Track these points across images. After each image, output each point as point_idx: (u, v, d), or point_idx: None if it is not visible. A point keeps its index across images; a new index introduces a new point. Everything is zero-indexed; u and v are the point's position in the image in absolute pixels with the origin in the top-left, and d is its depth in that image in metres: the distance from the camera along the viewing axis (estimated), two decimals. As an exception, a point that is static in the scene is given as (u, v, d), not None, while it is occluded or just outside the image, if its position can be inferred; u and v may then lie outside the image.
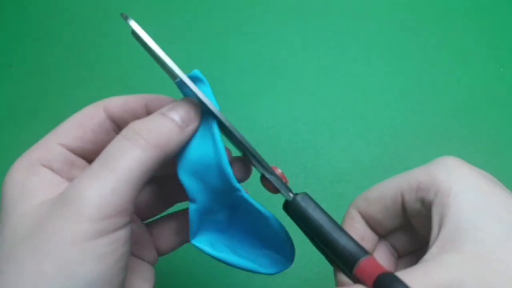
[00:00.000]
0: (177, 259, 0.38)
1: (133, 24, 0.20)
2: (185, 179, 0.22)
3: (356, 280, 0.21)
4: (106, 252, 0.17)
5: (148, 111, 0.22)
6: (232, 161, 0.24)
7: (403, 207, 0.23)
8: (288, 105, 0.47)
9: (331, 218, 0.23)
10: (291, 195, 0.23)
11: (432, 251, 0.19)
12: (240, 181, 0.24)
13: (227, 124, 0.22)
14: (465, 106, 0.47)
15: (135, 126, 0.19)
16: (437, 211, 0.20)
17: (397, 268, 0.25)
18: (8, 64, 0.51)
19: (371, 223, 0.24)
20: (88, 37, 0.53)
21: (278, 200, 0.24)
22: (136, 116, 0.22)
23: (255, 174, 0.25)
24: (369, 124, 0.45)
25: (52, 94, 0.48)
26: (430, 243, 0.20)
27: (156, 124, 0.19)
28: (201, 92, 0.21)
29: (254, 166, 0.23)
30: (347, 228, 0.23)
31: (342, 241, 0.21)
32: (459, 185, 0.20)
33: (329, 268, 0.24)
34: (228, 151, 0.23)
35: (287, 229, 0.24)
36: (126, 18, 0.20)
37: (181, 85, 0.21)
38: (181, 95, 0.23)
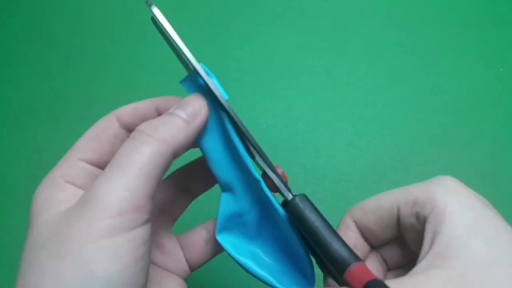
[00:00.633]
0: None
1: (156, 12, 0.21)
2: (215, 169, 0.23)
3: (345, 285, 0.21)
4: (123, 251, 0.17)
5: (159, 114, 0.23)
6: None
7: (398, 220, 0.23)
8: (288, 105, 0.47)
9: (327, 222, 0.23)
10: (290, 195, 0.23)
11: (422, 264, 0.20)
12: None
13: (234, 117, 0.22)
14: (465, 106, 0.47)
15: (141, 126, 0.20)
16: (430, 226, 0.21)
17: (386, 280, 0.25)
18: (8, 64, 0.51)
19: (365, 233, 0.24)
20: (88, 37, 0.53)
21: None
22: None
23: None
24: (369, 124, 0.45)
25: (52, 94, 0.48)
26: (421, 256, 0.21)
27: (161, 121, 0.20)
28: (212, 83, 0.21)
29: (257, 162, 0.24)
30: (340, 235, 0.23)
31: (335, 245, 0.22)
32: (455, 204, 0.21)
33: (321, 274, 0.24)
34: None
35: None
36: (150, 6, 0.21)
37: (190, 79, 0.22)
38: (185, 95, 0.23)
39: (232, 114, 0.22)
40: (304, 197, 0.23)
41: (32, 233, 0.18)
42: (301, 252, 0.23)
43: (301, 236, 0.23)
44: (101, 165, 0.22)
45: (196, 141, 0.22)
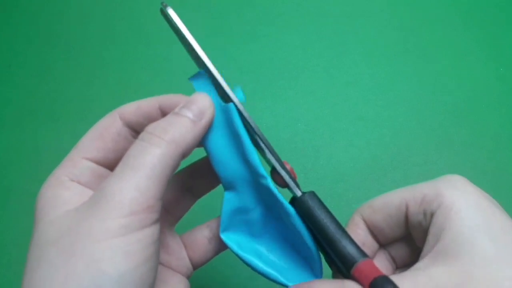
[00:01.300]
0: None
1: (171, 13, 0.22)
2: (219, 168, 0.23)
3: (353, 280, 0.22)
4: (134, 250, 0.17)
5: (162, 113, 0.23)
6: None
7: (406, 218, 0.23)
8: (288, 105, 0.47)
9: (336, 219, 0.23)
10: (299, 192, 0.23)
11: (425, 261, 0.20)
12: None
13: (244, 113, 0.22)
14: (465, 106, 0.47)
15: (149, 128, 0.20)
16: (436, 223, 0.21)
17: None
18: (8, 64, 0.51)
19: (374, 231, 0.25)
20: (88, 37, 0.53)
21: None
22: (152, 119, 0.22)
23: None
24: (369, 124, 0.45)
25: (52, 94, 0.48)
26: (425, 252, 0.21)
27: (169, 122, 0.20)
28: (223, 80, 0.22)
29: (266, 158, 0.24)
30: (349, 233, 0.23)
31: (344, 242, 0.22)
32: (462, 202, 0.21)
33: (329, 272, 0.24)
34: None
35: None
36: (165, 7, 0.22)
37: (199, 77, 0.23)
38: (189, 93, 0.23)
39: (243, 111, 0.22)
40: (313, 194, 0.23)
41: (39, 230, 0.18)
42: (309, 247, 0.23)
43: (310, 232, 0.23)
44: (105, 163, 0.22)
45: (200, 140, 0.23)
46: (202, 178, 0.26)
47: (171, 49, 0.51)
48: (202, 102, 0.22)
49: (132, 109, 0.23)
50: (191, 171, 0.27)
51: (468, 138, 0.44)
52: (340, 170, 0.42)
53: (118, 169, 0.19)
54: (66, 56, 0.51)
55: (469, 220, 0.20)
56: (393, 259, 0.26)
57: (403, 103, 0.47)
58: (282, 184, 0.24)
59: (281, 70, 0.49)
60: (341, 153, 0.43)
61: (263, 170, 0.22)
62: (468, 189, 0.22)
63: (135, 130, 0.23)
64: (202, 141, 0.23)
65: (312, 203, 0.23)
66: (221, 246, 0.25)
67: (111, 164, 0.22)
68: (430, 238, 0.21)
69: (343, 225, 0.24)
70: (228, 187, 0.23)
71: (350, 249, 0.22)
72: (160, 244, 0.20)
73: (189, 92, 0.23)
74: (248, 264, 0.23)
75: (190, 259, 0.25)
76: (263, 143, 0.23)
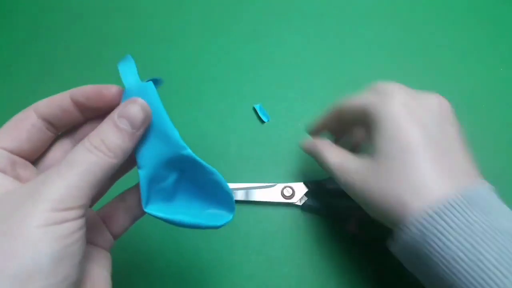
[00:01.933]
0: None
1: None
2: (137, 149, 0.24)
3: None
4: (64, 234, 0.20)
5: (74, 102, 0.25)
6: None
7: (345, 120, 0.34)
8: (288, 105, 0.47)
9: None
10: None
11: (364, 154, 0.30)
12: None
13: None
14: (465, 106, 0.47)
15: (91, 138, 0.22)
16: (372, 128, 0.29)
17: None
18: (8, 64, 0.51)
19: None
20: (88, 37, 0.53)
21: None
22: (64, 110, 0.25)
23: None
24: (369, 124, 0.45)
25: (52, 94, 0.48)
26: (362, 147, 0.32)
27: (108, 135, 0.22)
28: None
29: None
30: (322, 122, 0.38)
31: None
32: (387, 111, 0.29)
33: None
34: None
35: None
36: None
37: (125, 61, 0.26)
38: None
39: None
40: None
41: None
42: (222, 185, 0.26)
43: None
44: (20, 153, 0.24)
45: None
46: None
47: (171, 49, 0.51)
48: (140, 112, 0.23)
49: (45, 102, 0.25)
50: None
51: (468, 138, 0.44)
52: (340, 170, 0.42)
53: (59, 166, 0.21)
54: (66, 56, 0.51)
55: (392, 124, 0.28)
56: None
57: (403, 103, 0.47)
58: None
59: (281, 70, 0.49)
60: (341, 153, 0.43)
61: (183, 142, 0.24)
62: (401, 96, 0.30)
63: (50, 122, 0.25)
64: None
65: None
66: (137, 214, 0.28)
67: (24, 154, 0.25)
68: (368, 138, 0.30)
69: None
70: (143, 165, 0.25)
71: None
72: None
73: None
74: (174, 223, 0.25)
75: (111, 232, 0.28)
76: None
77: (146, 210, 0.25)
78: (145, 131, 0.24)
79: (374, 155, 0.29)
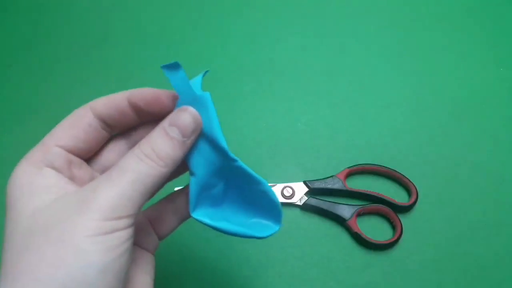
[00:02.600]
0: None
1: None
2: (189, 155, 0.24)
3: None
4: (114, 245, 0.20)
5: (131, 104, 0.24)
6: None
7: None
8: (288, 105, 0.47)
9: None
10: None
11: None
12: None
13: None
14: (465, 106, 0.47)
15: (142, 146, 0.22)
16: None
17: None
18: (8, 64, 0.51)
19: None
20: (88, 37, 0.53)
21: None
22: (121, 111, 0.24)
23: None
24: (369, 124, 0.45)
25: (52, 94, 0.48)
26: None
27: (158, 143, 0.22)
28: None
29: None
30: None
31: None
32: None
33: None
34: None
35: None
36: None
37: (173, 68, 0.24)
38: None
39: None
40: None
41: (20, 219, 0.20)
42: (271, 196, 0.26)
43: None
44: (76, 152, 0.24)
45: None
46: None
47: (171, 49, 0.51)
48: (190, 120, 0.23)
49: (103, 101, 0.24)
50: None
51: (468, 138, 0.44)
52: (340, 170, 0.42)
53: (113, 174, 0.21)
54: (66, 56, 0.51)
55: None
56: None
57: (403, 103, 0.47)
58: None
59: (281, 70, 0.49)
60: (341, 153, 0.43)
61: (233, 154, 0.24)
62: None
63: (106, 122, 0.25)
64: None
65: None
66: (185, 215, 0.27)
67: (80, 153, 0.24)
68: None
69: None
70: (194, 172, 0.25)
71: None
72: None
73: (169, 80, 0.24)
74: (220, 230, 0.25)
75: (157, 233, 0.27)
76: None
77: (193, 215, 0.25)
78: (195, 140, 0.24)
79: None
